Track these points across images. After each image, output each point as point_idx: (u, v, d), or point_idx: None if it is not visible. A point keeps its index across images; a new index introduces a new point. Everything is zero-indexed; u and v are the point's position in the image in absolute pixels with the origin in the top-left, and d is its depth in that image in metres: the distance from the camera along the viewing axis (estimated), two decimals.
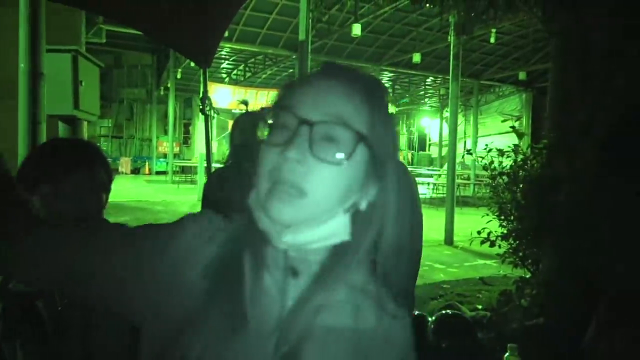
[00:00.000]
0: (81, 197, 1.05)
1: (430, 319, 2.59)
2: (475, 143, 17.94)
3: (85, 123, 3.55)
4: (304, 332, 0.60)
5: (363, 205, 0.64)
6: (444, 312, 2.68)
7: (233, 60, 19.56)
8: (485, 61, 17.34)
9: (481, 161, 3.26)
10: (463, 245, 7.83)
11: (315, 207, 0.59)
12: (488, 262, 6.59)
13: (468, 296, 4.50)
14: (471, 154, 3.68)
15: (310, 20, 7.08)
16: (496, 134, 17.98)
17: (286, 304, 0.61)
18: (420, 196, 1.91)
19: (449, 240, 8.32)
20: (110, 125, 25.16)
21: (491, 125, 21.29)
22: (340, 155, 0.59)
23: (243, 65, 19.88)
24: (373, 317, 0.65)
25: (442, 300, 4.25)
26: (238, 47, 15.22)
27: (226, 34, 14.11)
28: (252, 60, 19.11)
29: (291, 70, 17.22)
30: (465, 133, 23.52)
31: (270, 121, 0.63)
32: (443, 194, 12.71)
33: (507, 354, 2.10)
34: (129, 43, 19.91)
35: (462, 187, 15.68)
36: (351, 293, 0.65)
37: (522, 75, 16.59)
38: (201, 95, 2.56)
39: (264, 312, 0.60)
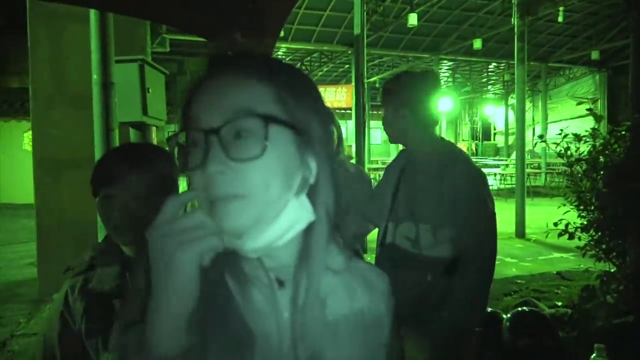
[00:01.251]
0: (152, 196, 1.08)
1: (504, 316, 2.45)
2: (545, 129, 16.97)
3: (153, 128, 3.71)
4: (316, 334, 0.61)
5: (312, 179, 0.62)
6: (520, 308, 2.53)
7: (290, 60, 19.81)
8: (552, 42, 16.30)
9: (555, 148, 3.03)
10: (536, 237, 7.42)
11: (260, 204, 0.56)
12: (565, 255, 6.20)
13: (545, 292, 4.24)
14: (544, 140, 3.44)
15: (364, 14, 7.00)
16: (568, 119, 16.90)
17: (282, 316, 0.60)
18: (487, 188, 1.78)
19: (520, 232, 7.91)
20: (176, 130, 26.46)
21: (562, 110, 20.05)
22: (256, 147, 0.55)
23: (299, 64, 20.09)
24: (365, 295, 0.68)
25: (516, 296, 4.03)
26: (294, 46, 15.38)
27: (281, 34, 14.37)
28: (308, 58, 19.27)
29: (347, 66, 17.15)
30: (533, 119, 22.37)
31: (182, 144, 0.60)
32: (511, 184, 12.14)
33: (593, 354, 1.94)
34: (191, 50, 20.74)
35: (533, 176, 14.88)
36: (337, 277, 0.66)
37: (594, 55, 15.41)
38: None
39: (264, 327, 0.59)
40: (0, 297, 4.89)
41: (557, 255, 6.45)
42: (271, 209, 0.58)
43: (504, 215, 8.45)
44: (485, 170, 17.90)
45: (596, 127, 2.96)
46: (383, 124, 1.81)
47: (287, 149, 0.58)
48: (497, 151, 28.06)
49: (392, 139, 1.83)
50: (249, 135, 0.56)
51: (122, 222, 1.05)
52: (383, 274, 0.73)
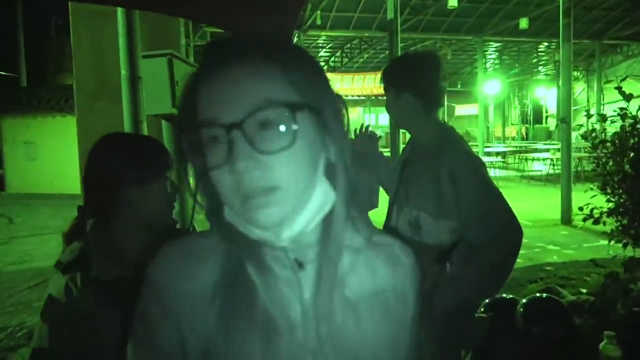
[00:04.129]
0: (170, 200, 1.09)
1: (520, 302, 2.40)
2: (599, 110, 16.04)
3: None
4: (337, 314, 0.60)
5: (333, 158, 0.61)
6: (535, 295, 2.47)
7: (330, 48, 19.75)
8: (608, 18, 15.31)
9: (578, 129, 2.89)
10: (583, 224, 7.10)
11: (295, 193, 0.56)
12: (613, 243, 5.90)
13: (573, 279, 4.07)
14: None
15: None
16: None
17: (303, 297, 0.60)
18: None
19: (566, 219, 7.57)
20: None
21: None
22: (285, 136, 0.54)
23: (340, 51, 19.99)
24: (389, 271, 0.66)
25: (542, 284, 3.91)
26: (333, 33, 15.32)
27: (319, 21, 14.24)
28: (348, 45, 19.12)
29: (387, 52, 16.92)
30: (588, 101, 21.20)
31: (191, 141, 0.56)
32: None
33: (603, 342, 1.88)
34: None
35: (586, 160, 14.12)
36: (358, 255, 0.64)
37: None
38: None
39: (286, 309, 0.59)
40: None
41: (604, 242, 6.14)
42: (304, 195, 0.57)
43: (552, 201, 8.11)
44: (534, 155, 16.90)
45: (627, 106, 2.79)
46: (386, 108, 1.81)
47: (311, 133, 0.57)
48: (549, 135, 26.84)
49: (397, 124, 1.84)
50: (275, 125, 0.54)
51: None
52: (407, 247, 0.71)
